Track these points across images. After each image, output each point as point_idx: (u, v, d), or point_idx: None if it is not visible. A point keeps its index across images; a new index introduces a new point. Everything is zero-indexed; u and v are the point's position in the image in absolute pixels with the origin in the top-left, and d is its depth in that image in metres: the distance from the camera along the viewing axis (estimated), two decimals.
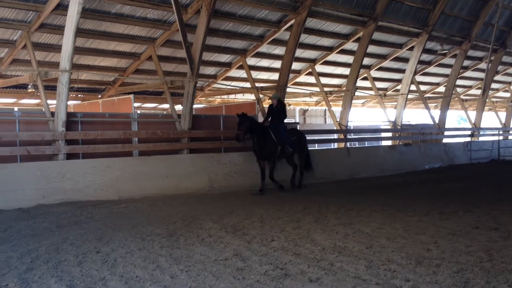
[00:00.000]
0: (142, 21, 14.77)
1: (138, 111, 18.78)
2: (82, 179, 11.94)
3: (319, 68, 21.69)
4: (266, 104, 20.68)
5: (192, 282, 5.49)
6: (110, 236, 7.97)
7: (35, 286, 5.44)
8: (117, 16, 14.15)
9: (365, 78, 23.81)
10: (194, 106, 16.23)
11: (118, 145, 13.31)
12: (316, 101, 26.99)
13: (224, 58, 18.79)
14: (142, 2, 13.74)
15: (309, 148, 15.71)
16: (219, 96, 21.89)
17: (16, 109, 16.46)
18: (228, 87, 19.93)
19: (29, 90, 16.24)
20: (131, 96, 15.17)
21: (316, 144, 22.23)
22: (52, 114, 12.16)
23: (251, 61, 19.23)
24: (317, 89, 21.65)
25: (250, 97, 21.44)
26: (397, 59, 23.38)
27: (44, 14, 12.82)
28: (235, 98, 22.53)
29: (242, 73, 19.69)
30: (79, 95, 17.91)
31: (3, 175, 10.84)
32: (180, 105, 15.68)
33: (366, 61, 21.47)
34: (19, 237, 7.99)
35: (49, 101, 12.70)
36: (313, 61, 21.10)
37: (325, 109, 31.75)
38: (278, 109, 13.99)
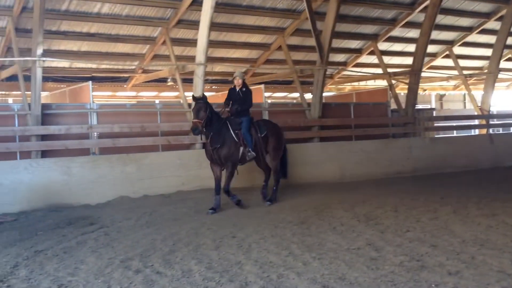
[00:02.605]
0: (272, 12, 14.97)
1: (269, 101, 19.11)
2: None
3: (457, 50, 20.40)
4: (399, 90, 19.98)
5: (325, 270, 5.48)
6: (244, 222, 8.25)
7: (177, 267, 5.79)
8: (248, 8, 14.49)
9: (509, 59, 21.95)
10: (324, 94, 16.12)
11: None
12: (454, 85, 25.45)
13: (354, 44, 18.41)
14: None
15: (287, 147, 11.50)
16: (349, 84, 21.50)
17: (157, 101, 17.59)
18: (359, 73, 19.50)
19: (169, 84, 17.25)
20: (262, 86, 15.47)
21: (455, 131, 21.04)
22: (190, 105, 12.80)
23: (382, 46, 18.62)
24: (455, 72, 20.43)
25: (382, 83, 20.80)
26: None
27: (181, 11, 13.52)
28: (365, 85, 22.01)
29: (373, 59, 19.15)
30: (213, 87, 18.67)
31: (147, 164, 11.67)
32: (310, 94, 15.68)
33: (511, 40, 19.76)
34: (162, 221, 8.57)
35: (186, 93, 13.39)
36: (450, 43, 19.93)
37: (464, 94, 29.78)
38: (243, 94, 10.23)
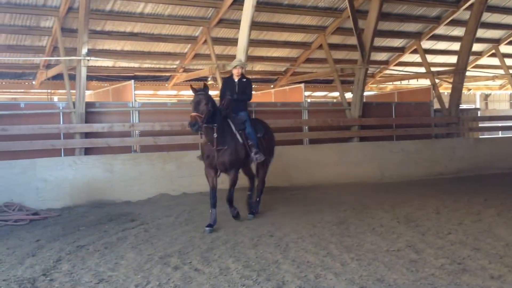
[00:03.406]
0: (313, 10, 14.90)
1: (309, 100, 19.03)
2: None
3: (504, 49, 19.85)
4: (442, 89, 19.55)
5: (363, 271, 5.41)
6: (282, 221, 8.23)
7: (215, 264, 5.83)
8: (289, 7, 14.46)
9: None
10: (365, 93, 15.94)
11: (289, 133, 13.63)
12: (500, 85, 24.77)
13: (397, 42, 18.13)
14: None
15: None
16: (391, 83, 21.21)
17: None
18: (401, 72, 19.19)
19: (209, 82, 17.38)
20: (302, 85, 15.42)
21: (500, 132, 20.46)
22: None
23: (426, 44, 18.27)
24: (501, 71, 19.86)
25: (425, 82, 20.39)
26: None
27: (222, 10, 13.62)
28: (408, 84, 21.65)
29: (417, 58, 18.81)
30: (253, 86, 18.66)
31: (187, 162, 11.67)
32: (350, 93, 15.54)
33: None
34: (201, 218, 8.63)
35: None
36: (496, 41, 19.40)
37: (511, 93, 29.01)
38: (242, 85, 8.85)
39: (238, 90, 8.71)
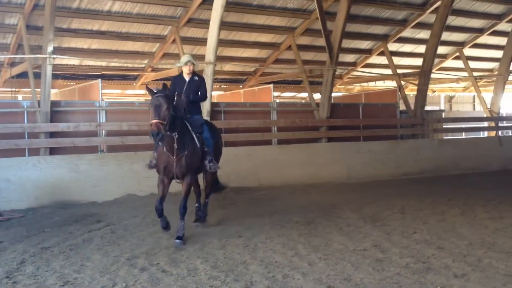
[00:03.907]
0: (282, 11, 14.96)
1: (278, 100, 19.11)
2: (226, 166, 12.44)
3: (468, 51, 20.28)
4: (408, 91, 19.87)
5: (330, 270, 5.47)
6: (250, 221, 8.23)
7: (183, 265, 5.80)
8: (259, 8, 14.49)
9: None
10: (333, 94, 16.09)
11: (258, 133, 13.67)
12: (464, 87, 25.32)
13: (364, 44, 18.36)
14: None
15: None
16: (358, 84, 21.47)
17: None
18: (368, 74, 19.46)
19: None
20: (271, 85, 15.47)
21: (464, 133, 20.93)
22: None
23: (392, 46, 18.56)
24: (465, 74, 20.28)
25: (391, 84, 20.71)
26: None
27: (191, 9, 13.55)
28: (375, 86, 21.95)
29: (383, 60, 19.08)
30: (222, 86, 18.68)
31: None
32: (318, 94, 15.66)
33: None
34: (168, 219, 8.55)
35: None
36: (461, 45, 19.82)
37: (474, 95, 29.66)
38: (194, 84, 7.86)
39: (187, 90, 7.68)
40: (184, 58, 7.87)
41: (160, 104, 6.63)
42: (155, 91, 6.76)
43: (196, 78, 7.93)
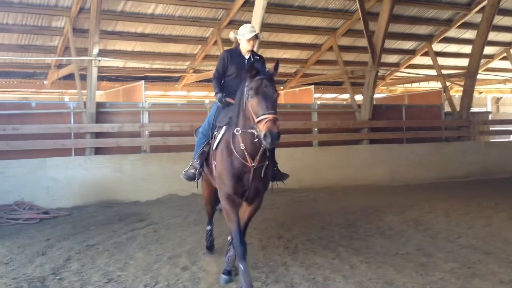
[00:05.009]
0: (323, 12, 14.86)
1: (318, 102, 18.99)
2: None
3: None
4: (453, 92, 19.42)
5: (372, 274, 5.39)
6: (291, 223, 8.21)
7: (224, 266, 5.81)
8: (300, 9, 14.43)
9: None
10: (375, 95, 15.88)
11: (298, 135, 13.61)
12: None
13: (408, 45, 18.04)
14: None
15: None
16: (401, 85, 21.11)
17: (207, 101, 17.75)
18: (412, 75, 19.12)
19: None
20: (312, 87, 15.40)
21: (511, 135, 20.30)
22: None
23: (437, 47, 18.18)
24: None
25: (436, 85, 20.29)
26: None
27: (232, 11, 13.62)
28: (419, 87, 21.55)
29: (427, 60, 18.70)
30: None
31: None
32: (360, 95, 15.48)
33: None
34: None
35: None
36: (508, 45, 19.26)
37: None
38: (257, 64, 5.41)
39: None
40: (249, 30, 5.80)
41: (273, 92, 5.14)
42: (259, 70, 5.13)
43: (258, 57, 5.98)
